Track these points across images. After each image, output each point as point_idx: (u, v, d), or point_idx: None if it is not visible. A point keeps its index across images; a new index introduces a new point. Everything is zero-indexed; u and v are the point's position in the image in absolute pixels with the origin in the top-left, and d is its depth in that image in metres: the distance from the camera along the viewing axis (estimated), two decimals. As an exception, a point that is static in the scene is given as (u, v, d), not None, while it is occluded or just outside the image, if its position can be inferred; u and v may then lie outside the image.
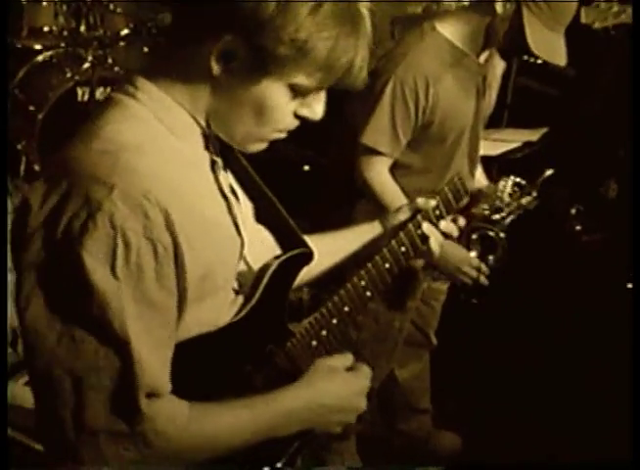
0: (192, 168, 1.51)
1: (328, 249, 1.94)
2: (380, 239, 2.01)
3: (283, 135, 1.57)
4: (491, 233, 2.47)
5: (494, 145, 3.94)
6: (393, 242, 1.93)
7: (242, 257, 1.61)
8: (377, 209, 2.79)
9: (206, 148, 1.55)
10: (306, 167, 5.35)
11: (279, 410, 1.59)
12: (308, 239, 1.82)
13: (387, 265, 1.92)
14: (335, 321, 1.83)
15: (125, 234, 1.35)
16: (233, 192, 1.62)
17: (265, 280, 1.65)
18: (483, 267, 2.75)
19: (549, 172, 2.88)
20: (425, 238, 1.97)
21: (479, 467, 3.30)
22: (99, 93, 4.91)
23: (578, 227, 4.56)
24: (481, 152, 3.21)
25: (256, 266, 1.67)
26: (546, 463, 3.29)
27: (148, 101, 1.48)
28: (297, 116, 1.53)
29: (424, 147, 2.81)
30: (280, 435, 1.62)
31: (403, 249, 1.94)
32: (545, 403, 3.75)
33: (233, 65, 1.42)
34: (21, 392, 3.40)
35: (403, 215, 2.02)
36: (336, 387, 1.70)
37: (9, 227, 1.44)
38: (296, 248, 1.74)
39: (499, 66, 3.04)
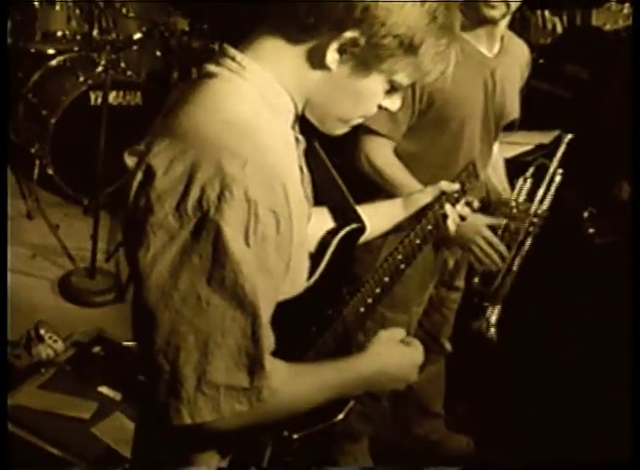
0: (288, 143, 1.65)
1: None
2: (404, 216, 2.26)
3: (362, 120, 1.71)
4: None
5: (507, 148, 3.93)
6: (424, 220, 2.18)
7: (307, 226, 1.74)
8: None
9: (292, 126, 1.67)
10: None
11: (356, 375, 1.75)
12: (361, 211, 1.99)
13: (417, 241, 2.14)
14: (378, 290, 2.03)
15: (257, 206, 1.45)
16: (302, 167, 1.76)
17: (331, 249, 1.84)
18: (501, 248, 2.85)
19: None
20: (445, 217, 2.22)
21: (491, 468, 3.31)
22: (112, 97, 4.93)
23: (591, 230, 4.54)
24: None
25: (313, 238, 1.83)
26: (547, 463, 3.29)
27: (254, 79, 1.57)
28: (379, 106, 1.68)
29: (426, 134, 2.82)
30: (350, 395, 1.85)
31: (429, 227, 2.18)
32: (556, 406, 3.75)
33: (345, 57, 1.55)
34: (34, 394, 3.43)
35: (428, 197, 2.26)
36: (397, 357, 1.86)
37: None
38: (351, 222, 1.93)
39: (516, 62, 2.99)
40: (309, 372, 1.67)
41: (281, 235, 1.50)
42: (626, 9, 3.67)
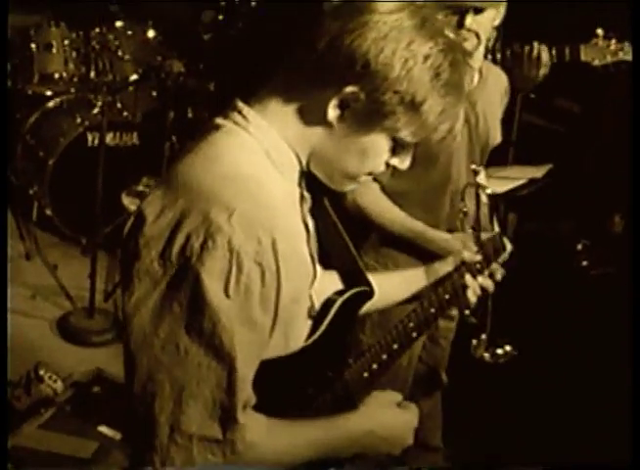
0: (289, 200, 1.65)
1: (378, 288, 2.04)
2: (423, 285, 2.21)
3: (371, 178, 1.71)
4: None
5: (499, 182, 3.96)
6: (440, 289, 2.14)
7: (311, 287, 1.73)
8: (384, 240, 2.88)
9: (299, 183, 1.68)
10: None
11: (344, 434, 1.73)
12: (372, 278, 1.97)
13: (432, 310, 2.11)
14: (384, 357, 2.00)
15: (240, 257, 1.46)
16: (309, 226, 1.74)
17: (333, 311, 1.81)
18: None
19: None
20: (465, 288, 2.17)
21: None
22: (109, 138, 4.98)
23: (585, 262, 4.57)
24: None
25: (316, 298, 1.79)
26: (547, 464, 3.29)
27: (259, 135, 1.60)
28: (387, 163, 1.67)
29: (413, 171, 2.84)
30: (339, 456, 1.79)
31: (447, 296, 2.14)
32: (557, 410, 3.79)
33: (347, 113, 1.55)
34: (34, 435, 3.44)
35: (449, 266, 2.22)
36: (390, 420, 1.84)
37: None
38: (359, 285, 1.92)
39: (496, 92, 3.05)
40: (293, 428, 1.65)
41: (266, 288, 1.50)
42: (613, 45, 3.70)
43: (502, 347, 3.13)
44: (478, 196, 2.70)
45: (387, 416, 1.83)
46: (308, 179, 1.69)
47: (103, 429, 3.49)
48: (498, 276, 2.31)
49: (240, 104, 1.62)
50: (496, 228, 2.83)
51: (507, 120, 3.51)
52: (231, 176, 1.51)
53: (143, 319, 1.48)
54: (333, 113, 1.55)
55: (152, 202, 1.52)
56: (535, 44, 3.29)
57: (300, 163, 1.64)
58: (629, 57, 3.71)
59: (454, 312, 3.32)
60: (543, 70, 3.33)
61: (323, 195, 1.79)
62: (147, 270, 1.48)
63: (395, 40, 1.50)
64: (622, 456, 2.37)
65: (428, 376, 3.39)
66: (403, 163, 1.69)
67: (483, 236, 2.75)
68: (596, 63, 3.70)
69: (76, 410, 3.59)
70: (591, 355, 4.14)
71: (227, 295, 1.46)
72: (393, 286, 2.19)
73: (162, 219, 1.48)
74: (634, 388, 2.38)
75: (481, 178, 2.66)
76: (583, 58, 3.68)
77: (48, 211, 5.09)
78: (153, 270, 1.47)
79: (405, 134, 1.59)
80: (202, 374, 1.47)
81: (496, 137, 3.06)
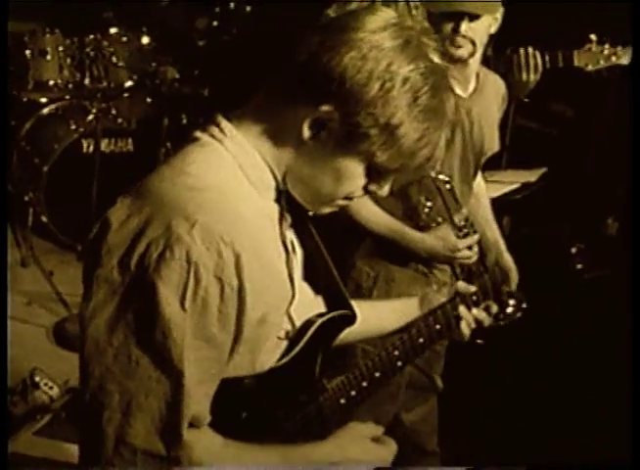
0: (263, 217, 1.59)
1: (368, 316, 2.01)
2: (416, 315, 2.12)
3: (349, 202, 1.65)
4: None
5: (493, 187, 3.98)
6: (431, 319, 2.07)
7: (289, 308, 1.67)
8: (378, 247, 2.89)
9: (277, 201, 1.63)
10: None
11: (308, 463, 1.67)
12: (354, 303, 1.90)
13: (420, 340, 2.03)
14: (365, 384, 1.92)
15: (198, 269, 1.42)
16: (292, 246, 1.69)
17: (309, 334, 1.74)
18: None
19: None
20: (458, 319, 2.11)
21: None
22: (103, 144, 4.99)
23: (580, 266, 4.57)
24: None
25: (297, 320, 1.74)
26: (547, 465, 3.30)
27: (233, 148, 1.56)
28: (366, 190, 1.61)
29: (422, 194, 2.86)
30: None
31: (438, 327, 2.07)
32: (556, 410, 3.80)
33: (323, 133, 1.50)
34: (30, 441, 3.44)
35: (443, 297, 2.14)
36: (362, 455, 1.77)
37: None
38: (341, 309, 1.84)
39: (493, 98, 3.06)
40: (250, 451, 1.59)
41: (225, 304, 1.46)
42: (607, 50, 3.72)
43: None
44: (438, 189, 2.73)
45: (356, 450, 1.76)
46: (290, 199, 1.64)
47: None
48: (494, 310, 2.24)
49: (219, 118, 1.59)
50: (464, 209, 2.86)
51: (501, 125, 3.52)
52: (197, 188, 1.48)
53: (98, 327, 1.45)
54: (307, 132, 1.51)
55: (118, 209, 1.49)
56: (529, 49, 3.31)
57: (277, 180, 1.60)
58: (623, 61, 3.72)
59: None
60: (536, 76, 3.34)
61: (307, 217, 1.73)
62: (106, 278, 1.45)
63: (375, 60, 1.46)
64: (622, 456, 2.38)
65: (423, 381, 3.40)
66: (382, 189, 1.63)
67: (458, 218, 2.78)
68: (589, 68, 3.71)
69: (72, 416, 3.59)
70: (589, 358, 4.15)
71: (183, 307, 1.42)
72: (386, 315, 2.13)
73: (126, 227, 1.46)
74: (633, 388, 2.39)
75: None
76: (577, 63, 3.70)
77: (44, 218, 5.10)
78: (112, 278, 1.44)
79: (381, 159, 1.53)
80: (151, 387, 1.45)
81: (493, 145, 3.05)
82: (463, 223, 2.82)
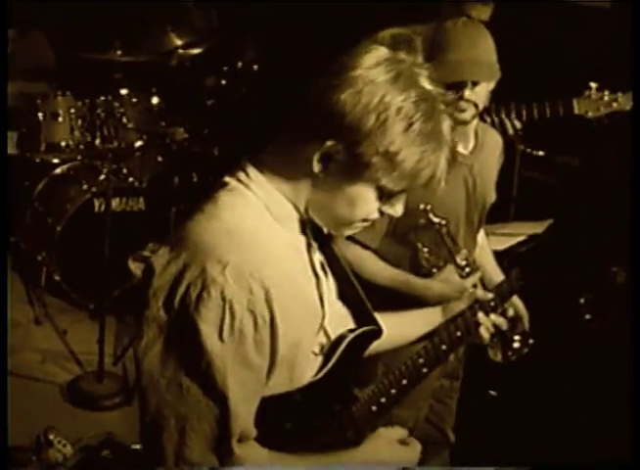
0: (291, 250, 1.78)
1: (394, 327, 2.16)
2: (438, 323, 2.31)
3: (368, 224, 1.81)
4: None
5: (500, 240, 4.01)
6: (452, 326, 2.23)
7: (322, 328, 1.84)
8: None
9: (303, 232, 1.81)
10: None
11: (342, 468, 1.85)
12: (379, 316, 2.05)
13: (443, 347, 2.19)
14: (393, 391, 2.09)
15: (232, 306, 1.61)
16: (323, 270, 1.86)
17: (341, 349, 1.89)
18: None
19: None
20: (477, 325, 2.28)
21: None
22: (115, 204, 5.05)
23: (588, 316, 4.59)
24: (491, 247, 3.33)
25: (334, 336, 1.90)
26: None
27: (259, 191, 1.73)
28: (381, 211, 1.77)
29: (409, 237, 2.92)
30: None
31: (459, 333, 2.25)
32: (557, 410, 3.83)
33: (332, 166, 1.67)
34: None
35: (463, 304, 2.33)
36: (390, 458, 1.95)
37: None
38: (368, 324, 2.00)
39: (492, 153, 3.11)
40: (293, 461, 1.76)
41: (259, 333, 1.65)
42: (607, 96, 3.77)
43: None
44: (437, 232, 2.78)
45: (385, 453, 1.94)
46: (315, 227, 1.80)
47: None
48: (510, 313, 2.43)
49: (246, 163, 1.74)
50: (463, 249, 2.90)
51: (507, 177, 3.57)
52: (228, 231, 1.65)
53: (151, 362, 1.64)
54: (317, 166, 1.66)
55: (160, 256, 1.67)
56: (502, 115, 3.41)
57: (300, 212, 1.75)
58: (624, 107, 3.77)
59: (460, 372, 3.37)
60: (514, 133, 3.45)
61: (330, 240, 1.91)
62: (154, 318, 1.63)
63: (370, 94, 1.60)
64: (622, 456, 2.40)
65: (433, 435, 3.41)
66: (395, 210, 1.78)
67: (460, 259, 2.81)
68: (590, 115, 3.77)
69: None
70: (589, 358, 4.17)
71: (221, 339, 1.61)
72: (411, 324, 2.29)
73: (168, 271, 1.63)
74: (634, 388, 2.42)
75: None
76: (577, 111, 3.76)
77: (56, 277, 5.13)
78: (159, 318, 1.63)
79: (387, 183, 1.68)
80: (201, 410, 1.64)
81: (492, 197, 3.13)
82: (465, 263, 2.86)
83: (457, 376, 3.39)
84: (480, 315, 2.29)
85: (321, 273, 1.86)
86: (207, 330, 1.61)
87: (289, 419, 1.83)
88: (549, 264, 4.64)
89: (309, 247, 1.83)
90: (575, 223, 4.87)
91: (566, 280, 4.56)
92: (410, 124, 1.62)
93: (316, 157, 1.66)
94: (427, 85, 1.66)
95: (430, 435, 3.37)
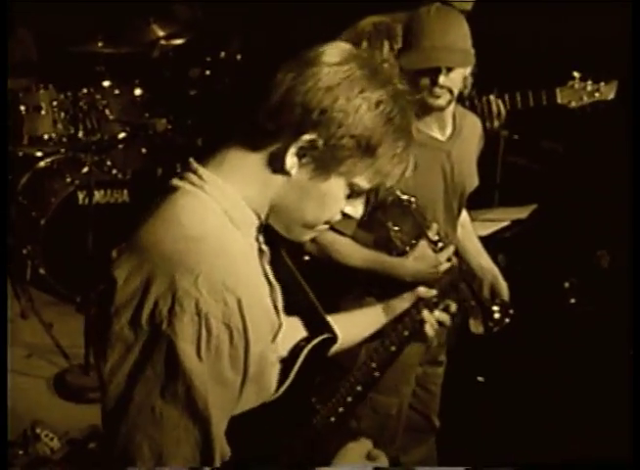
0: (249, 257, 1.67)
1: (339, 329, 2.08)
2: (383, 323, 2.25)
3: (327, 227, 1.76)
4: None
5: (484, 225, 4.01)
6: (400, 326, 2.19)
7: (276, 338, 1.73)
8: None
9: (256, 238, 1.71)
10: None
11: None
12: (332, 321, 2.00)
13: (392, 348, 2.17)
14: (349, 399, 2.07)
15: (208, 320, 1.50)
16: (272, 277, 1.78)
17: (300, 360, 1.83)
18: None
19: None
20: (422, 323, 2.23)
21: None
22: (99, 196, 5.04)
23: (573, 300, 4.60)
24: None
25: (283, 348, 1.81)
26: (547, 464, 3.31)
27: (215, 194, 1.62)
28: (342, 213, 1.72)
29: (386, 222, 2.91)
30: None
31: (406, 333, 2.19)
32: (557, 409, 3.82)
33: (306, 160, 1.61)
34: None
35: (406, 303, 2.27)
36: None
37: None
38: (322, 331, 1.94)
39: (471, 138, 3.11)
40: None
41: (234, 348, 1.54)
42: (589, 86, 3.78)
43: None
44: (405, 209, 2.77)
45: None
46: (265, 232, 1.73)
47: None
48: (453, 309, 2.35)
49: (194, 164, 1.66)
50: (434, 224, 2.89)
51: (491, 163, 3.58)
52: (193, 238, 1.54)
53: (119, 385, 1.52)
54: (291, 161, 1.60)
55: (120, 265, 1.56)
56: (491, 97, 3.40)
57: (259, 217, 1.67)
58: (607, 96, 3.77)
59: (442, 358, 3.38)
60: (498, 122, 3.44)
61: (280, 246, 1.83)
62: (118, 336, 1.52)
63: (349, 88, 1.58)
64: (623, 456, 2.41)
65: (418, 422, 3.41)
66: (357, 211, 1.74)
67: (432, 233, 2.80)
68: (572, 105, 3.77)
69: (73, 467, 3.60)
70: (589, 358, 4.17)
71: (200, 357, 1.50)
72: (354, 326, 2.22)
73: (130, 285, 1.52)
74: (633, 388, 2.42)
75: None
76: (560, 100, 3.76)
77: (42, 271, 5.13)
78: (124, 336, 1.51)
79: (361, 179, 1.64)
80: (180, 435, 1.52)
81: (473, 183, 3.12)
82: (437, 237, 2.86)
83: (440, 362, 3.38)
84: (425, 313, 2.25)
85: (274, 281, 1.76)
86: (186, 348, 1.48)
87: (255, 437, 1.74)
88: (533, 249, 4.65)
89: (261, 253, 1.73)
90: (559, 208, 4.88)
91: (550, 265, 4.58)
92: (389, 119, 1.61)
93: (291, 152, 1.59)
94: (399, 84, 1.66)
95: (415, 422, 3.37)
